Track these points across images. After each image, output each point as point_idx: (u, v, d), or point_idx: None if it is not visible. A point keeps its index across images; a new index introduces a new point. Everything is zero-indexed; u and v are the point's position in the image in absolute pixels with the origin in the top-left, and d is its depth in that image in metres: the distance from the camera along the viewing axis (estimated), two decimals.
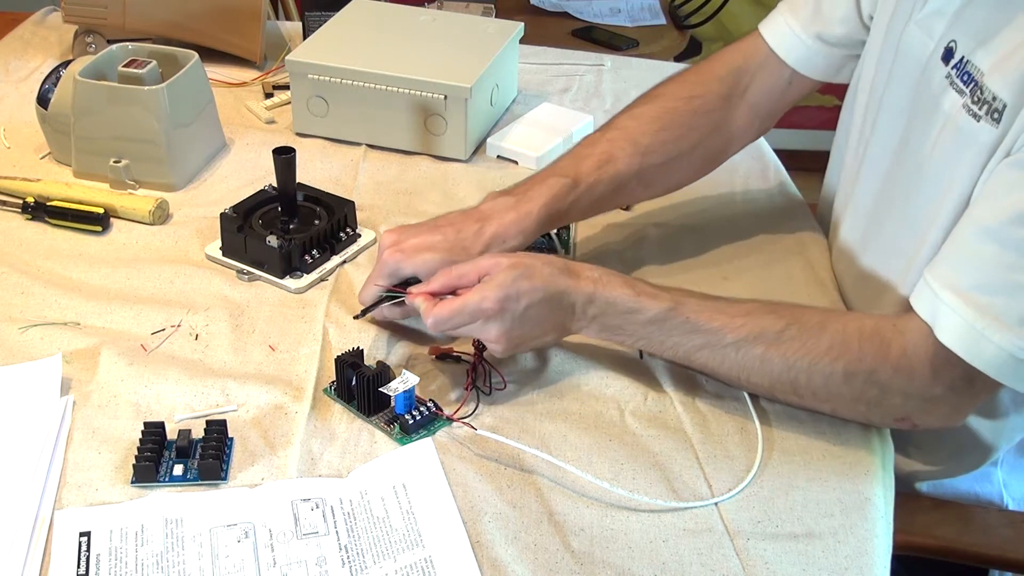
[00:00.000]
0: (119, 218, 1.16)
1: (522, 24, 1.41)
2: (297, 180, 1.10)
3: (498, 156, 1.32)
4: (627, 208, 1.21)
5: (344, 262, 1.10)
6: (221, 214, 1.09)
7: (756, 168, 1.31)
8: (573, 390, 0.95)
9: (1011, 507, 1.08)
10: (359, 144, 1.33)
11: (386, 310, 0.98)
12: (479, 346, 0.94)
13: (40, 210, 1.14)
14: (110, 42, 1.39)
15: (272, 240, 1.05)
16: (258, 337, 1.00)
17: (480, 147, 1.34)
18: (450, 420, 0.90)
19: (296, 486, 0.84)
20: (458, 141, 1.29)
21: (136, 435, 0.86)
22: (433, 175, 1.28)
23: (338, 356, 0.92)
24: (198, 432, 0.87)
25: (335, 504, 0.82)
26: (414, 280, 0.96)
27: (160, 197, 1.17)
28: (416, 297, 0.91)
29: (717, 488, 0.86)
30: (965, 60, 0.89)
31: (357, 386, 0.90)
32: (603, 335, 0.93)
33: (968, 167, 0.87)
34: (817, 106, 2.63)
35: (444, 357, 0.97)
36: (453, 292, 0.91)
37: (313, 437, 0.88)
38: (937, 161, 0.92)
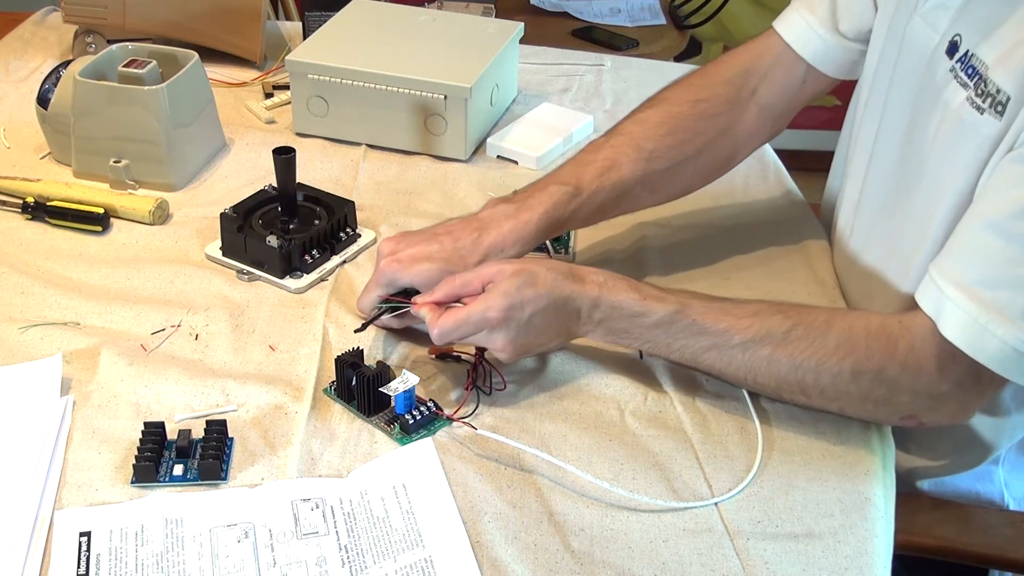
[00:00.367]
0: (119, 218, 1.16)
1: (522, 24, 1.41)
2: (297, 180, 1.10)
3: (498, 156, 1.32)
4: None
5: (344, 262, 1.10)
6: (221, 214, 1.09)
7: (757, 168, 1.31)
8: (573, 390, 0.95)
9: (1012, 507, 1.08)
10: (359, 144, 1.33)
11: (386, 319, 0.98)
12: (477, 346, 0.94)
13: (40, 210, 1.14)
14: (110, 42, 1.39)
15: (272, 240, 1.05)
16: (258, 337, 1.00)
17: (480, 147, 1.34)
18: (450, 420, 0.90)
19: (296, 486, 0.84)
20: (458, 141, 1.29)
21: (136, 435, 0.86)
22: (433, 175, 1.28)
23: (338, 356, 0.92)
24: (198, 432, 0.87)
25: (335, 504, 0.82)
26: (413, 291, 0.96)
27: (160, 197, 1.17)
28: (421, 308, 0.91)
29: (717, 488, 0.86)
30: (970, 54, 0.88)
31: (357, 386, 0.90)
32: (609, 339, 0.93)
33: (970, 160, 0.87)
34: (817, 106, 2.61)
35: (444, 357, 0.97)
36: (458, 300, 0.91)
37: (313, 437, 0.88)
38: (938, 155, 0.92)
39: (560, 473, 0.86)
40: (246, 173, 1.26)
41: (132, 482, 0.83)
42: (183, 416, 0.90)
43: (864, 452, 0.90)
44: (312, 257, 1.08)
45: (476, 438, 0.89)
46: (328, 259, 1.09)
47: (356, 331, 0.98)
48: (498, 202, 1.03)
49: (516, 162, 1.31)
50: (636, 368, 0.97)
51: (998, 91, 0.84)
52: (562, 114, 1.39)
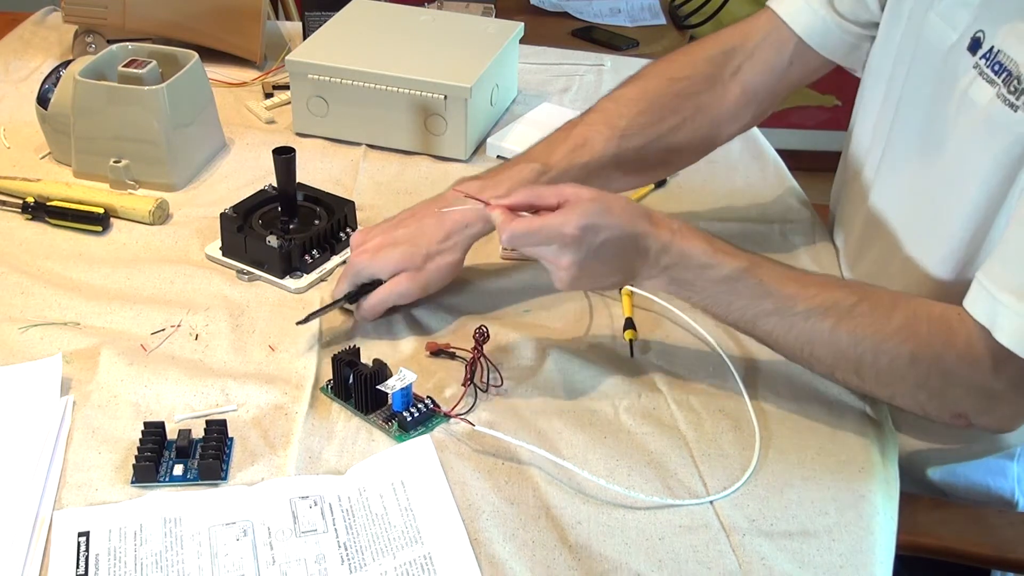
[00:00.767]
0: (119, 218, 1.16)
1: (522, 24, 1.42)
2: (297, 180, 1.11)
3: (498, 156, 1.32)
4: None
5: (344, 262, 1.11)
6: (221, 214, 1.09)
7: (757, 168, 1.32)
8: (568, 387, 0.95)
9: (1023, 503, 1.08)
10: (359, 144, 1.33)
11: (368, 305, 0.99)
12: (477, 341, 0.95)
13: (40, 210, 1.15)
14: (110, 42, 1.40)
15: (272, 240, 1.05)
16: (258, 337, 1.00)
17: (480, 147, 1.34)
18: (448, 416, 0.91)
19: (294, 484, 0.84)
20: (458, 141, 1.29)
21: (136, 435, 0.86)
22: (433, 175, 1.28)
23: (335, 354, 0.92)
24: (198, 432, 0.87)
25: (333, 502, 0.83)
26: (378, 282, 0.98)
27: (160, 197, 1.17)
28: (495, 209, 0.88)
29: (712, 486, 0.86)
30: (996, 50, 0.87)
31: (354, 384, 0.91)
32: (671, 288, 0.90)
33: (1002, 157, 0.86)
34: (817, 106, 2.63)
35: (441, 354, 0.98)
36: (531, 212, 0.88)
37: (312, 436, 0.89)
38: (962, 152, 0.90)
39: (557, 469, 0.86)
40: (246, 173, 1.26)
41: (132, 482, 0.84)
42: (183, 416, 0.90)
43: (860, 450, 0.90)
44: (312, 257, 1.08)
45: (473, 434, 0.89)
46: (328, 259, 1.10)
47: (298, 323, 0.98)
48: (466, 180, 1.03)
49: None
50: (629, 367, 0.97)
51: None
52: (562, 114, 1.38)
